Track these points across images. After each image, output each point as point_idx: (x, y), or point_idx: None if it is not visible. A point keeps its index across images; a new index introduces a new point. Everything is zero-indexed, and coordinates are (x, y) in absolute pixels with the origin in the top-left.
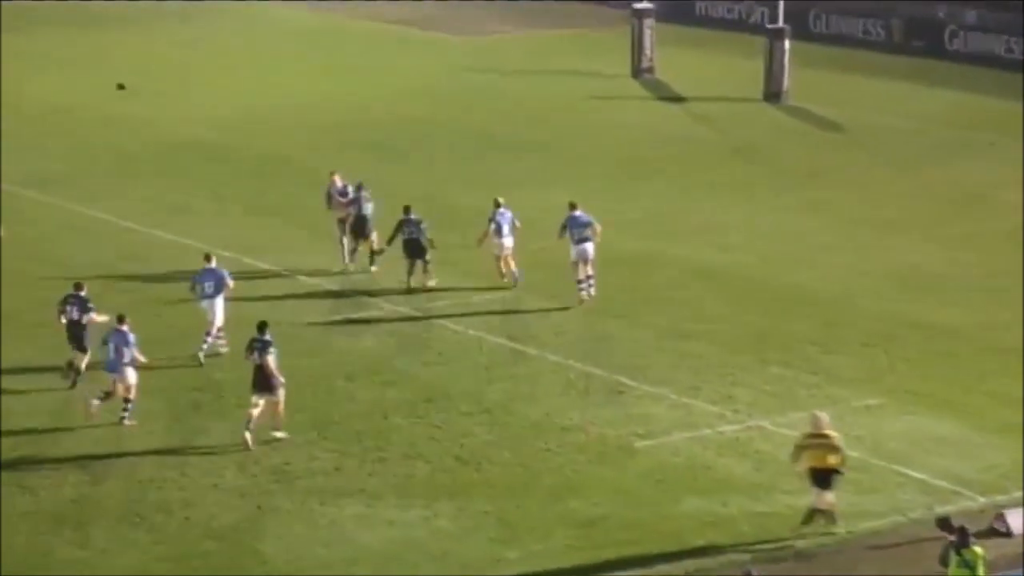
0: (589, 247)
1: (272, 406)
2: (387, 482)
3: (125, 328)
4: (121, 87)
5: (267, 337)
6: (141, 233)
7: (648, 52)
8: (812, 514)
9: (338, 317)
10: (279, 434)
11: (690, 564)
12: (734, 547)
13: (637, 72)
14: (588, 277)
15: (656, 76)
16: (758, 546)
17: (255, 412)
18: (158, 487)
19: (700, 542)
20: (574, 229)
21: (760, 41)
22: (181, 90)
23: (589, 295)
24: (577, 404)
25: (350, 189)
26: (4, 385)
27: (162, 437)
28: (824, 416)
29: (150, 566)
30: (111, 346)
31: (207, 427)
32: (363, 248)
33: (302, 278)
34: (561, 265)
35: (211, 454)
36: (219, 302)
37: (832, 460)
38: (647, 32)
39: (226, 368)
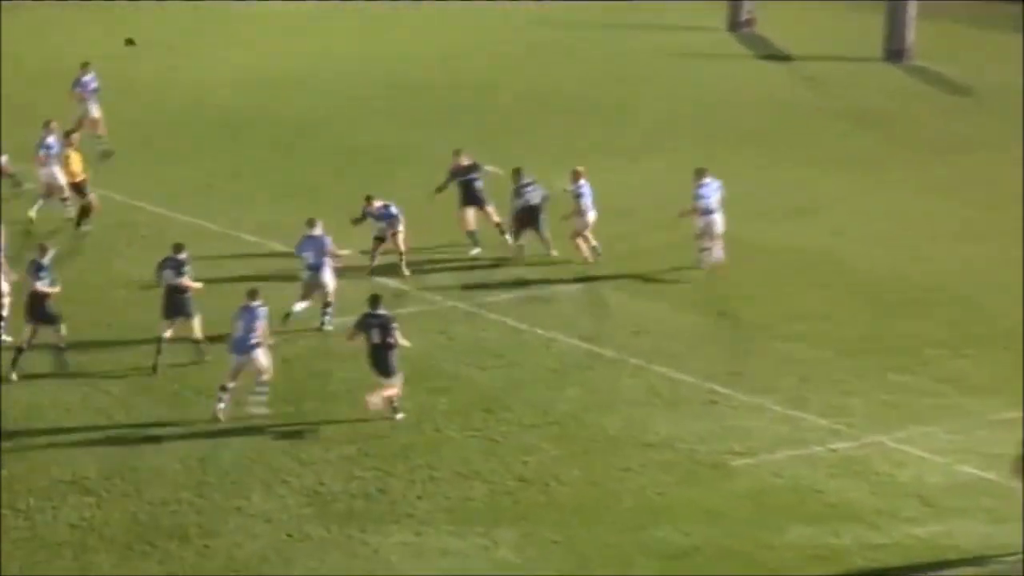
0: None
1: (392, 387)
2: (439, 505)
3: (256, 304)
4: (131, 42)
5: (385, 311)
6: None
7: (748, 2)
8: None
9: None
10: (400, 416)
11: None
12: None
13: (735, 25)
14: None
15: (757, 30)
16: None
17: (374, 399)
18: (172, 510)
19: None
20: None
21: None
22: (199, 48)
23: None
24: (662, 415)
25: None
26: None
27: (176, 450)
28: None
29: None
30: (240, 324)
31: (227, 440)
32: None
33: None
34: (642, 254)
35: (233, 471)
36: (328, 271)
37: None
38: None
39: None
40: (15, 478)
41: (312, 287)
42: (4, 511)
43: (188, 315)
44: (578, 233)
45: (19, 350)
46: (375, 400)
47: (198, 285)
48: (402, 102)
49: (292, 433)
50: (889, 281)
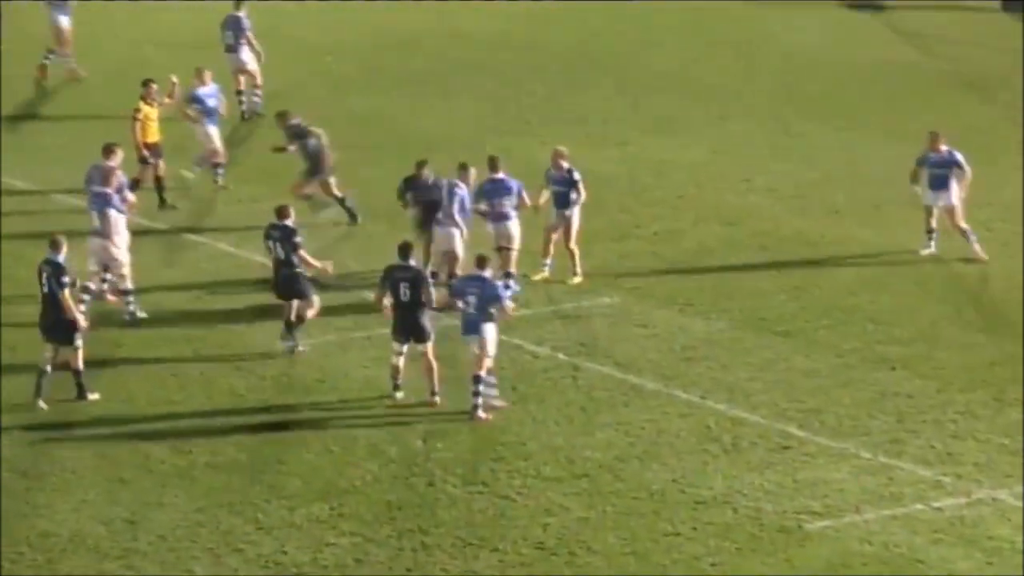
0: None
1: (423, 359)
2: None
3: (487, 273)
4: None
5: (414, 263)
6: None
7: None
8: None
9: (358, 333)
10: (436, 399)
11: None
12: None
13: None
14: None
15: None
16: None
17: (400, 363)
18: None
19: None
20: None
21: None
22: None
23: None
24: (720, 465)
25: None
26: None
27: (99, 510)
28: None
29: None
30: (470, 299)
31: (164, 495)
32: None
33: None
34: (695, 254)
35: (171, 536)
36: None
37: None
38: None
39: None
40: None
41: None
42: None
43: (301, 296)
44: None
45: (42, 373)
46: (398, 379)
47: (318, 265)
48: (405, 71)
49: (247, 486)
50: (1010, 295)
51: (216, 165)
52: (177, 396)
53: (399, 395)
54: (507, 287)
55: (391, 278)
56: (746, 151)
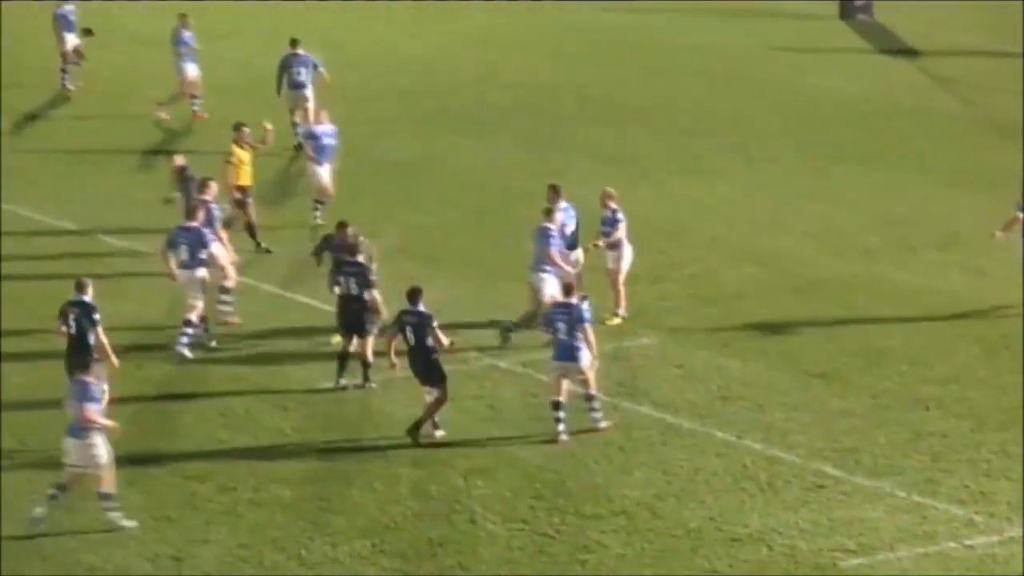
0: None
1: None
2: None
3: (574, 300)
4: (88, 33)
5: (423, 308)
6: None
7: None
8: None
9: (400, 374)
10: (439, 433)
11: None
12: None
13: (848, 11)
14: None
15: (875, 17)
16: None
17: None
18: None
19: None
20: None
21: None
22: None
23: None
24: (757, 504)
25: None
26: None
27: (145, 545)
28: None
29: None
30: (560, 327)
31: (209, 532)
32: None
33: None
34: (731, 297)
35: (216, 572)
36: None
37: None
38: None
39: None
40: None
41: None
42: None
43: (364, 333)
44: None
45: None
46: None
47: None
48: (443, 110)
49: (290, 523)
50: None
51: (318, 202)
52: (223, 434)
53: (439, 433)
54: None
55: (400, 322)
56: (779, 193)
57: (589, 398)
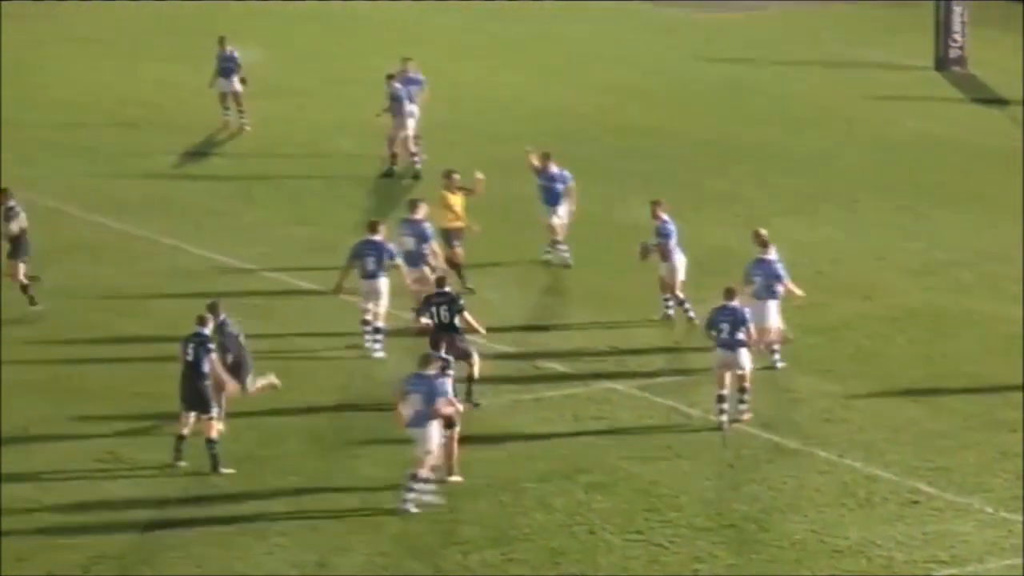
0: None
1: (449, 444)
2: None
3: (735, 303)
4: (243, 82)
5: (446, 355)
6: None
7: (958, 36)
8: None
9: (527, 396)
10: (454, 478)
11: None
12: None
13: (942, 63)
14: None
15: (969, 69)
16: None
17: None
18: None
19: None
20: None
21: None
22: (321, 85)
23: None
24: (856, 518)
25: None
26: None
27: (291, 553)
28: None
29: None
30: (724, 327)
31: (350, 540)
32: None
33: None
34: (834, 327)
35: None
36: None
37: None
38: (957, 9)
39: None
40: None
41: None
42: None
43: (467, 356)
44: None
45: (181, 439)
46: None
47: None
48: (551, 149)
49: (426, 533)
50: None
51: (554, 243)
52: (363, 450)
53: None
54: None
55: (429, 303)
56: (879, 232)
57: (743, 390)
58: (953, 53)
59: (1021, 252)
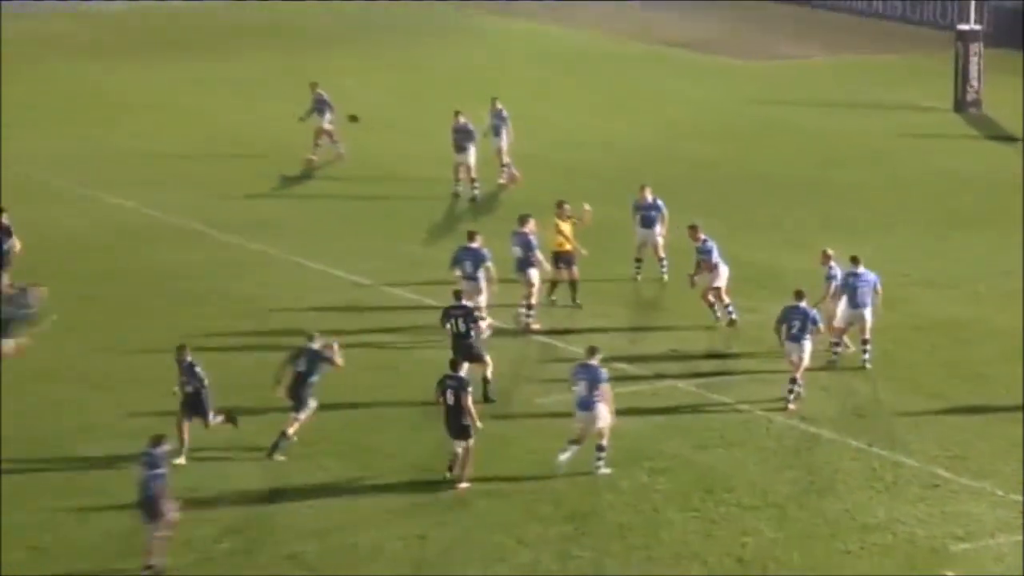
0: (867, 312)
1: (463, 452)
2: None
3: (803, 303)
4: (353, 119)
5: (463, 375)
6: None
7: (975, 82)
8: None
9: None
10: (464, 485)
11: None
12: None
13: (961, 105)
14: (864, 343)
15: (984, 111)
16: None
17: (458, 451)
18: None
19: None
20: (854, 288)
21: None
22: (416, 122)
23: (864, 362)
24: (883, 499)
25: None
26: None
27: (397, 527)
28: None
29: None
30: (795, 323)
31: (447, 517)
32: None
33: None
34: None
35: (453, 549)
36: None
37: None
38: (973, 58)
39: None
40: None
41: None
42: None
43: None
44: (706, 290)
45: (284, 435)
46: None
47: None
48: (617, 181)
49: (510, 509)
50: None
51: (660, 259)
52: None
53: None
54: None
55: (447, 315)
56: (903, 251)
57: (793, 380)
58: (970, 96)
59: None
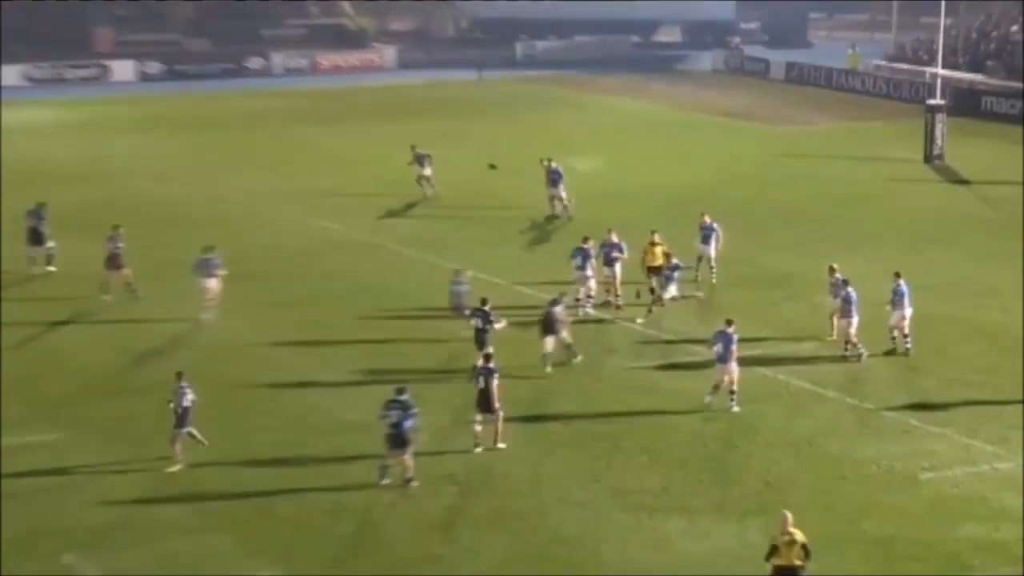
0: (907, 312)
1: (494, 424)
2: (706, 502)
3: (730, 330)
4: (492, 167)
5: (492, 365)
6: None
7: (939, 141)
8: None
9: (663, 362)
10: (501, 445)
11: None
12: (1006, 569)
13: (929, 158)
14: (904, 336)
15: (946, 162)
16: None
17: (479, 429)
18: (517, 498)
19: (976, 562)
20: (902, 295)
21: None
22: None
23: (907, 350)
24: (871, 441)
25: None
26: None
27: (523, 457)
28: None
29: (507, 565)
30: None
31: (555, 451)
32: None
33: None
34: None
35: (560, 474)
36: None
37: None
38: (938, 124)
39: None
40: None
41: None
42: (396, 497)
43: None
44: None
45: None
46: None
47: (502, 324)
48: (688, 211)
49: (603, 445)
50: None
51: (711, 268)
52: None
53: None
54: None
55: (473, 314)
56: (888, 262)
57: (732, 391)
58: (935, 152)
59: (976, 276)
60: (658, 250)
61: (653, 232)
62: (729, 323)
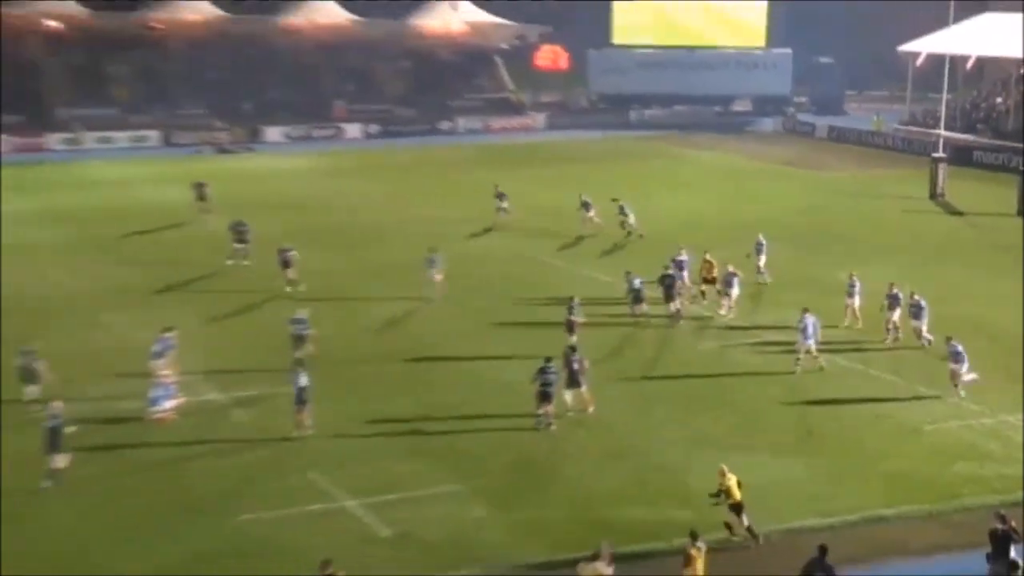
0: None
1: (581, 395)
2: (763, 443)
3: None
4: (614, 200)
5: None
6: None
7: (941, 184)
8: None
9: (733, 343)
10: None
11: (957, 504)
12: (988, 497)
13: (933, 196)
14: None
15: (946, 199)
16: (1006, 496)
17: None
18: (627, 438)
19: (965, 491)
20: (919, 307)
21: (1015, 179)
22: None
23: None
24: (890, 403)
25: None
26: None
27: (629, 411)
28: None
29: (621, 489)
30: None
31: (655, 405)
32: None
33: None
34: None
35: (660, 422)
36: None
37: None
38: (940, 171)
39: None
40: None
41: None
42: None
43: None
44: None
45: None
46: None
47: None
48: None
49: (696, 400)
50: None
51: (759, 271)
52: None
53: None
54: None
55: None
56: (897, 275)
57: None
58: (938, 191)
59: (968, 282)
60: (713, 267)
61: (706, 253)
62: (807, 310)
